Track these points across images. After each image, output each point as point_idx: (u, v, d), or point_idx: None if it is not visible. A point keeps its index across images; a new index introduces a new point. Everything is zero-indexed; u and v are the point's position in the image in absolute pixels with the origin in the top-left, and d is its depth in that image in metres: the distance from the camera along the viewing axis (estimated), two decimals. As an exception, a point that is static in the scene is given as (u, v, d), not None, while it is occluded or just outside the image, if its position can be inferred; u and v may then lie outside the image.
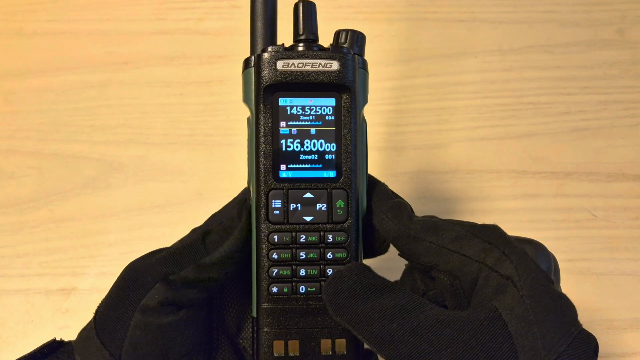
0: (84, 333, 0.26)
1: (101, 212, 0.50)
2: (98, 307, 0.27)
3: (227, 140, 0.52)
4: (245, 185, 0.31)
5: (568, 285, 0.48)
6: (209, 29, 0.55)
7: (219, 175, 0.51)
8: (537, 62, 0.54)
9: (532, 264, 0.24)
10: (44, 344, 0.26)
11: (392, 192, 0.31)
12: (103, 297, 0.27)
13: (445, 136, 0.52)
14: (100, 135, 0.52)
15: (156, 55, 0.54)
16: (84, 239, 0.49)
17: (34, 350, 0.26)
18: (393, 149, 0.52)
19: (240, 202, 0.30)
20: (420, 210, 0.51)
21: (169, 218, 0.50)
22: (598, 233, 0.50)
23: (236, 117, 0.52)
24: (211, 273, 0.27)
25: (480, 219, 0.50)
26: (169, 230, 0.50)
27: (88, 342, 0.25)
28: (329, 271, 0.28)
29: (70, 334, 0.27)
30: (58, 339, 0.27)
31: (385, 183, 0.31)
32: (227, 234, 0.28)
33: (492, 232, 0.26)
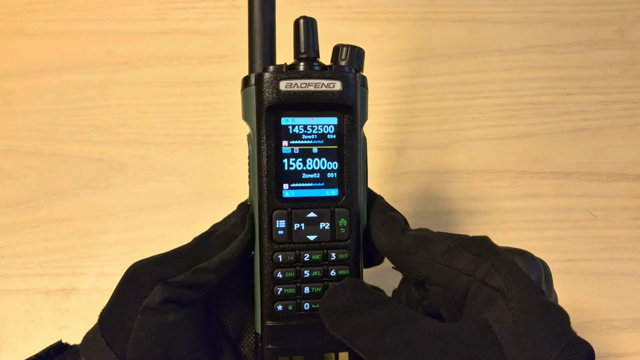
0: (89, 335, 0.27)
1: (101, 212, 0.50)
2: (103, 309, 0.27)
3: (227, 140, 0.52)
4: (244, 185, 0.31)
5: (568, 286, 0.48)
6: (209, 29, 0.55)
7: (219, 175, 0.51)
8: (537, 62, 0.54)
9: (522, 275, 0.25)
10: (50, 346, 0.26)
11: (389, 205, 0.31)
12: (103, 297, 0.27)
13: (445, 136, 0.52)
14: (100, 135, 0.52)
15: (156, 55, 0.54)
16: (84, 239, 0.49)
17: (41, 352, 0.26)
18: (393, 149, 0.52)
19: (243, 211, 0.30)
20: (420, 210, 0.51)
21: (169, 218, 0.50)
22: (598, 233, 0.50)
23: (236, 117, 0.52)
24: (209, 277, 0.28)
25: (480, 219, 0.51)
26: (169, 230, 0.49)
27: (93, 343, 0.26)
28: None
29: (70, 334, 0.27)
30: (64, 341, 0.27)
31: (386, 182, 0.31)
32: (228, 240, 0.29)
33: (482, 244, 0.27)
